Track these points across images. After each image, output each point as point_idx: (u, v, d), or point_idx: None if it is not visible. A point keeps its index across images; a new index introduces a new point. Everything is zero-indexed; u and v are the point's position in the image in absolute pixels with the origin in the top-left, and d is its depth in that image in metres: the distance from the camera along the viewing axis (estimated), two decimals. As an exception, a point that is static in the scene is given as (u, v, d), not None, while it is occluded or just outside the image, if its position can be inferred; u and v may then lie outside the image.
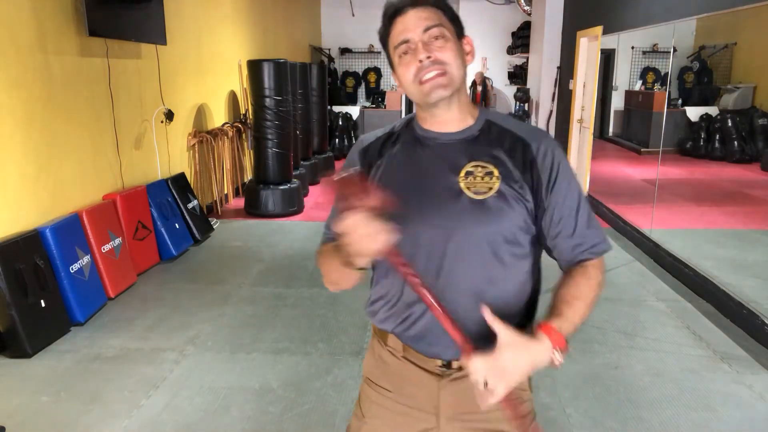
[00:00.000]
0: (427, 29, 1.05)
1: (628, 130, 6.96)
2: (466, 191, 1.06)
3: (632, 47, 6.46)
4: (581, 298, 1.05)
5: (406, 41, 1.06)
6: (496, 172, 1.07)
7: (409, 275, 1.01)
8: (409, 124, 1.18)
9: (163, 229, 4.53)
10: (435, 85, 1.05)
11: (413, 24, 1.06)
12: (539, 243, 1.13)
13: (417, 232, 1.07)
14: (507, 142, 1.10)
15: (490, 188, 1.05)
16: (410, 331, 1.12)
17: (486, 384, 0.92)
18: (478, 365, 0.93)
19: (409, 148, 1.14)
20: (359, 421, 1.22)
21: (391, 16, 1.09)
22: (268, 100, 5.91)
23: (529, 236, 1.10)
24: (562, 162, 1.09)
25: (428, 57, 1.04)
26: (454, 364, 1.11)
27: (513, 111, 9.26)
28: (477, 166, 1.07)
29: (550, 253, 1.14)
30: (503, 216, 1.06)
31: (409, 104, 12.10)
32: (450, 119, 1.11)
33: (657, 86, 6.27)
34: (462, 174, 1.07)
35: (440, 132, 1.12)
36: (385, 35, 1.12)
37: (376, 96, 11.35)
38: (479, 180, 1.06)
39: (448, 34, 1.06)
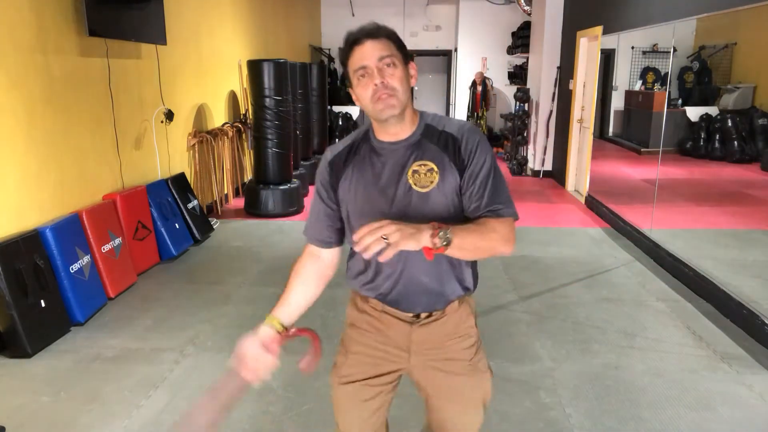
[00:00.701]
0: (381, 58, 1.30)
1: (628, 130, 6.96)
2: (414, 186, 1.34)
3: (632, 47, 6.46)
4: (480, 233, 1.28)
5: (363, 67, 1.31)
6: (435, 168, 1.34)
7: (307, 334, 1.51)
8: (366, 135, 1.44)
9: (163, 229, 4.53)
10: (386, 105, 1.31)
11: (370, 53, 1.30)
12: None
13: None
14: (442, 140, 1.37)
15: (432, 182, 1.34)
16: (387, 298, 1.43)
17: (385, 234, 1.14)
18: (380, 223, 1.16)
19: (367, 157, 1.40)
20: (344, 356, 1.53)
21: (351, 44, 1.33)
22: (268, 100, 5.90)
23: (459, 215, 1.36)
24: (479, 146, 1.35)
25: (382, 82, 1.29)
26: (422, 315, 1.43)
27: (513, 111, 9.26)
28: (421, 165, 1.35)
29: (465, 213, 1.38)
30: (443, 200, 1.34)
31: (409, 104, 12.08)
32: (398, 130, 1.37)
33: (657, 86, 6.27)
34: (409, 173, 1.35)
35: (390, 141, 1.38)
36: (345, 58, 1.36)
37: (376, 96, 11.35)
38: (423, 176, 1.34)
39: (398, 62, 1.32)
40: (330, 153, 1.48)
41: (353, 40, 1.33)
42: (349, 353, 1.52)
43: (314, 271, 1.55)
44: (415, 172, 1.35)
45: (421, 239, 1.18)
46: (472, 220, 1.34)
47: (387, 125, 1.36)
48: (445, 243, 1.19)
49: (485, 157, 1.35)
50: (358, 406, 1.50)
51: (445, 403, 1.50)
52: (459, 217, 1.36)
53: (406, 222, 1.20)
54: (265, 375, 1.40)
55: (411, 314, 1.43)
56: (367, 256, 1.15)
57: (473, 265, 1.46)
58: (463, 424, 1.52)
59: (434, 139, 1.37)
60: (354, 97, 1.39)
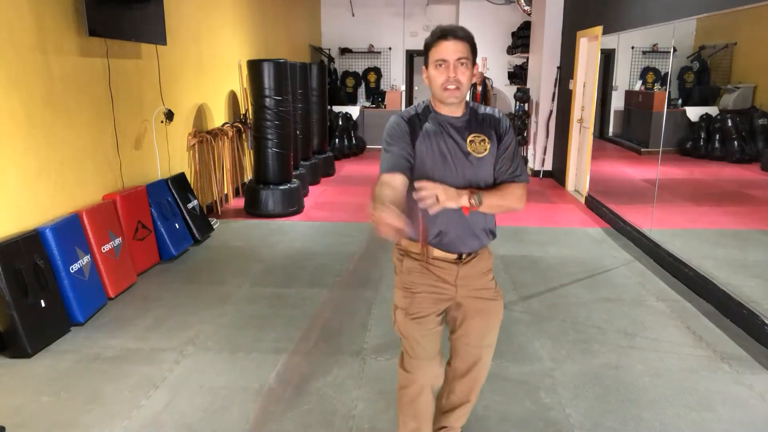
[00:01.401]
0: (459, 58, 1.69)
1: (628, 130, 6.95)
2: (472, 153, 1.79)
3: (632, 47, 6.45)
4: (503, 196, 1.79)
5: (444, 60, 1.69)
6: (487, 139, 1.81)
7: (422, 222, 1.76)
8: (427, 109, 1.82)
9: (163, 229, 4.53)
10: (452, 95, 1.73)
11: (452, 51, 1.69)
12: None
13: (445, 178, 1.74)
14: (486, 119, 1.84)
15: (485, 149, 1.80)
16: (441, 242, 1.83)
17: (438, 195, 1.58)
18: (435, 186, 1.60)
19: (435, 126, 1.79)
20: (410, 298, 1.88)
21: (439, 37, 1.70)
22: (268, 100, 5.90)
23: (492, 174, 1.84)
24: (510, 128, 1.86)
25: (454, 76, 1.70)
26: (464, 257, 1.86)
27: (513, 111, 9.25)
28: (475, 136, 1.80)
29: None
30: (491, 163, 1.82)
31: (409, 105, 12.08)
32: (454, 110, 1.81)
33: (657, 86, 6.26)
34: (468, 142, 1.79)
35: (450, 116, 1.80)
36: (430, 45, 1.73)
37: (376, 96, 11.35)
38: (478, 145, 1.80)
39: (469, 64, 1.72)
40: (404, 114, 1.82)
41: (443, 35, 1.69)
42: (415, 294, 1.87)
43: (398, 191, 1.66)
44: (471, 141, 1.79)
45: (460, 200, 1.66)
46: (497, 183, 1.82)
47: (447, 106, 1.78)
48: (477, 203, 1.69)
49: (512, 137, 1.85)
50: (426, 334, 1.88)
51: (479, 322, 1.93)
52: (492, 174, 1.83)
53: (466, 180, 1.75)
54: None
55: (455, 255, 1.84)
56: (422, 205, 1.55)
57: (494, 219, 1.93)
58: (486, 343, 1.97)
59: (479, 118, 1.83)
60: (425, 76, 1.77)
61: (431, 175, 1.75)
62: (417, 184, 1.56)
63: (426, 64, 1.76)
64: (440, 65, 1.70)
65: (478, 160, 1.78)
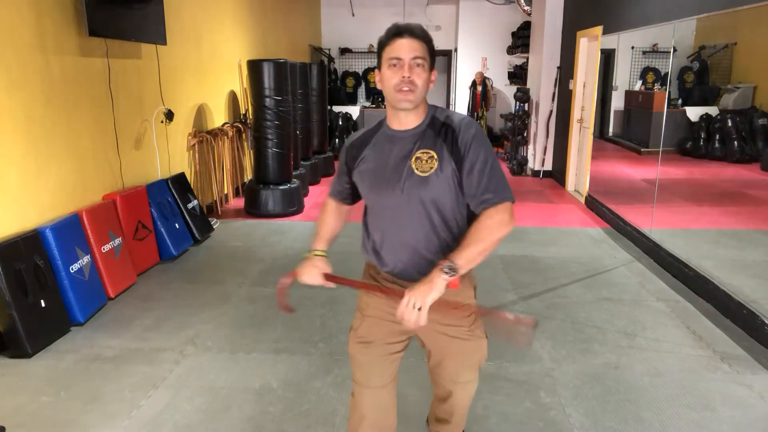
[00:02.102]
0: (414, 57, 1.52)
1: (628, 130, 6.95)
2: (416, 171, 1.56)
3: (632, 47, 6.45)
4: (477, 240, 1.50)
5: (398, 58, 1.52)
6: (435, 156, 1.56)
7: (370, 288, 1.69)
8: (380, 125, 1.68)
9: (163, 229, 4.53)
10: (405, 98, 1.53)
11: (407, 49, 1.52)
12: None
13: (386, 200, 1.61)
14: (442, 131, 1.58)
15: (432, 167, 1.56)
16: (395, 271, 1.66)
17: (414, 306, 1.43)
18: (405, 301, 1.44)
19: (380, 143, 1.65)
20: (360, 319, 1.76)
21: (394, 34, 1.54)
22: (268, 100, 5.90)
23: (454, 197, 1.59)
24: (474, 139, 1.55)
25: (408, 77, 1.51)
26: None
27: (513, 111, 9.26)
28: (423, 152, 1.57)
29: (468, 202, 1.61)
30: (440, 184, 1.56)
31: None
32: (408, 121, 1.60)
33: (657, 86, 6.26)
34: (413, 159, 1.57)
35: (400, 129, 1.61)
36: (384, 44, 1.56)
37: (376, 96, 11.34)
38: (424, 162, 1.56)
39: (426, 66, 1.54)
40: (349, 140, 1.74)
41: (397, 32, 1.53)
42: (365, 317, 1.74)
43: (339, 212, 1.84)
44: (417, 158, 1.57)
45: (436, 286, 1.43)
46: (474, 214, 1.58)
47: (399, 114, 1.59)
48: (454, 272, 1.45)
49: (480, 149, 1.55)
50: (373, 361, 1.73)
51: (446, 361, 1.75)
52: (458, 197, 1.59)
53: (417, 201, 1.56)
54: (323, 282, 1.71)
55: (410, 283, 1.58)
56: (413, 326, 1.45)
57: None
58: (461, 381, 1.79)
59: (436, 129, 1.59)
60: (377, 78, 1.60)
61: (370, 194, 1.66)
62: (397, 315, 1.45)
63: (379, 64, 1.58)
64: (394, 65, 1.52)
65: (422, 180, 1.55)
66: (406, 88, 1.52)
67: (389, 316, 1.65)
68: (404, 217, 1.60)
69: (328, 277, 1.69)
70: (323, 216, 1.85)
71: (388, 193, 1.59)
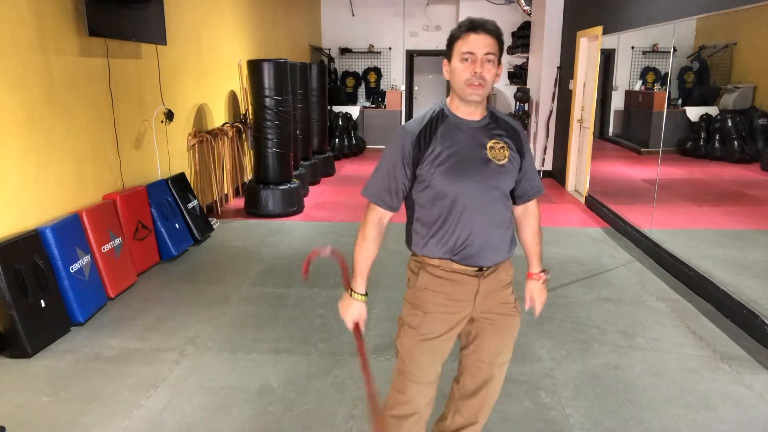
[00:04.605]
0: (487, 53, 1.58)
1: (628, 130, 6.95)
2: (493, 159, 1.67)
3: (632, 47, 6.45)
4: (537, 240, 1.92)
5: (472, 53, 1.58)
6: (506, 147, 1.70)
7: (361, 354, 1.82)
8: (442, 113, 1.70)
9: (163, 229, 4.53)
10: (475, 92, 1.61)
11: (481, 45, 1.58)
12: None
13: (466, 186, 1.65)
14: (508, 127, 1.75)
15: (505, 156, 1.69)
16: (459, 256, 1.70)
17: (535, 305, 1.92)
18: (540, 300, 1.94)
19: (449, 131, 1.67)
20: (421, 317, 1.74)
21: (468, 29, 1.59)
22: (268, 100, 5.90)
23: (512, 185, 1.78)
24: (527, 143, 1.79)
25: (480, 73, 1.58)
26: (485, 269, 1.73)
27: (513, 111, 9.25)
28: (495, 142, 1.69)
29: (513, 194, 1.81)
30: (512, 173, 1.73)
31: (409, 105, 12.09)
32: (474, 112, 1.69)
33: (657, 86, 6.26)
34: (488, 148, 1.68)
35: (469, 119, 1.69)
36: (456, 37, 1.62)
37: (376, 96, 11.34)
38: (498, 151, 1.68)
39: (496, 62, 1.61)
40: (411, 129, 1.68)
41: (472, 27, 1.59)
42: (426, 314, 1.74)
43: (380, 233, 1.77)
44: (491, 147, 1.67)
45: (545, 290, 1.95)
46: (516, 196, 1.82)
47: (468, 105, 1.66)
48: (548, 275, 1.94)
49: (530, 150, 1.81)
50: (433, 357, 1.77)
51: (494, 339, 1.81)
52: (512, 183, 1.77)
53: (490, 188, 1.67)
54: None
55: (475, 268, 1.71)
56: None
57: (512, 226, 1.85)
58: (500, 362, 1.84)
59: (501, 124, 1.73)
60: (446, 69, 1.66)
61: (450, 182, 1.64)
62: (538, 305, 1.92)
63: (449, 56, 1.63)
64: (466, 59, 1.57)
65: (498, 168, 1.67)
66: (477, 83, 1.58)
67: (450, 310, 1.73)
68: (481, 204, 1.67)
69: (357, 327, 1.80)
70: (366, 244, 1.74)
71: (468, 180, 1.64)
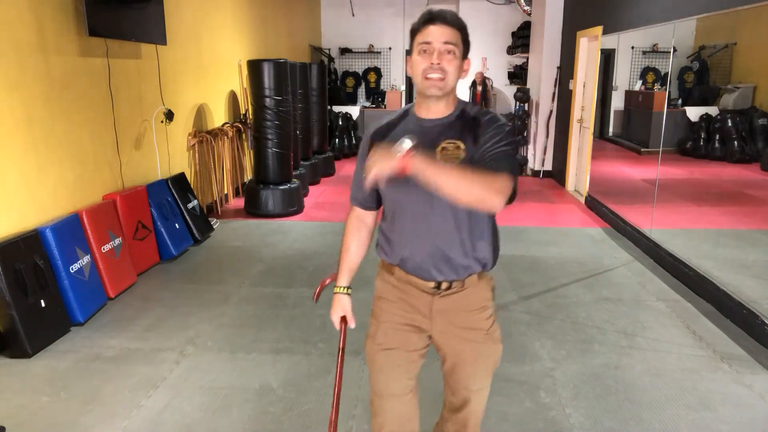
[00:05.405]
0: (446, 42, 1.45)
1: (628, 130, 6.95)
2: (441, 161, 1.45)
3: (632, 47, 6.46)
4: (462, 169, 1.37)
5: (428, 43, 1.46)
6: (462, 146, 1.48)
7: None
8: (406, 113, 1.60)
9: (163, 229, 4.53)
10: (434, 85, 1.47)
11: (439, 35, 1.46)
12: None
13: (408, 191, 1.49)
14: (471, 124, 1.51)
15: (458, 157, 1.47)
16: (408, 265, 1.59)
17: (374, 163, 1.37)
18: (373, 153, 1.38)
19: (403, 131, 1.52)
20: (376, 326, 1.69)
21: (427, 20, 1.48)
22: (268, 100, 5.90)
23: None
24: (498, 127, 1.48)
25: (438, 63, 1.45)
26: (443, 286, 1.58)
27: (513, 111, 9.25)
28: (449, 142, 1.49)
29: None
30: None
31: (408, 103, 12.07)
32: (437, 110, 1.54)
33: (657, 86, 6.26)
34: (438, 149, 1.49)
35: (428, 119, 1.54)
36: (416, 30, 1.50)
37: (376, 96, 11.34)
38: (450, 152, 1.48)
39: (458, 53, 1.48)
40: (372, 129, 1.64)
41: (430, 18, 1.48)
42: (380, 323, 1.68)
43: (361, 229, 1.74)
44: (444, 148, 1.49)
45: (391, 159, 1.33)
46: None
47: (428, 102, 1.53)
48: (408, 150, 1.34)
49: (501, 134, 1.47)
50: (393, 369, 1.66)
51: (461, 366, 1.66)
52: None
53: (431, 196, 1.42)
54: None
55: (432, 284, 1.58)
56: (370, 180, 1.36)
57: (493, 239, 1.62)
58: (474, 388, 1.69)
59: (466, 121, 1.53)
60: (408, 65, 1.54)
61: (391, 186, 1.51)
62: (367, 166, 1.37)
63: (410, 50, 1.53)
64: (424, 50, 1.46)
65: None
66: (435, 75, 1.45)
67: (406, 321, 1.64)
68: (426, 211, 1.51)
69: (343, 320, 1.79)
70: (345, 239, 1.75)
71: (410, 185, 1.43)
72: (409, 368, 1.67)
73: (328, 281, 1.93)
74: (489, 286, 1.67)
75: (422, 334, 1.65)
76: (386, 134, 1.58)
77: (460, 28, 1.48)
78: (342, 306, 1.77)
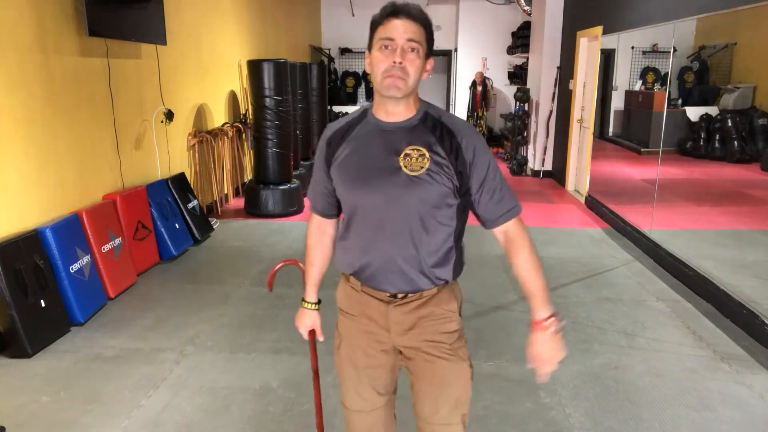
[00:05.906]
0: (409, 40, 1.34)
1: (628, 130, 6.95)
2: (404, 169, 1.38)
3: (632, 47, 6.45)
4: (535, 274, 1.48)
5: (391, 39, 1.34)
6: (427, 154, 1.38)
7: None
8: (365, 114, 1.48)
9: (163, 229, 4.53)
10: (393, 85, 1.35)
11: (402, 30, 1.34)
12: (470, 210, 1.49)
13: (365, 199, 1.42)
14: (438, 130, 1.41)
15: (422, 167, 1.37)
16: (362, 275, 1.49)
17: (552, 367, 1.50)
18: (544, 369, 1.53)
19: (364, 134, 1.45)
20: (339, 338, 1.62)
21: (389, 13, 1.35)
22: (268, 100, 5.90)
23: (452, 206, 1.43)
24: (481, 150, 1.41)
25: (400, 63, 1.34)
26: (398, 296, 1.47)
27: (513, 111, 9.26)
28: (413, 149, 1.39)
29: (479, 218, 1.48)
30: (430, 188, 1.38)
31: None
32: (397, 112, 1.42)
33: (657, 86, 6.26)
34: (401, 156, 1.39)
35: (387, 121, 1.43)
36: (377, 23, 1.38)
37: (376, 96, 11.34)
38: (414, 160, 1.38)
39: (421, 52, 1.37)
40: (329, 130, 1.53)
41: (394, 11, 1.36)
42: (343, 337, 1.60)
43: (323, 238, 1.65)
44: (407, 155, 1.39)
45: (557, 340, 1.56)
46: (484, 221, 1.48)
47: (387, 103, 1.41)
48: (559, 320, 1.54)
49: (488, 160, 1.42)
50: (358, 383, 1.57)
51: (427, 387, 1.50)
52: (448, 203, 1.42)
53: (395, 206, 1.39)
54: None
55: (387, 294, 1.47)
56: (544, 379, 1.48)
57: (457, 256, 1.50)
58: (441, 415, 1.50)
59: (430, 126, 1.42)
60: (367, 62, 1.43)
61: (348, 190, 1.44)
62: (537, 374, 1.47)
63: (370, 45, 1.40)
64: (386, 46, 1.34)
65: (410, 179, 1.37)
66: (396, 75, 1.34)
67: (367, 332, 1.53)
68: (383, 219, 1.41)
69: (311, 333, 1.77)
70: (307, 252, 1.66)
71: (369, 191, 1.40)
72: (376, 383, 1.56)
73: (279, 266, 1.92)
74: (454, 297, 1.51)
75: (385, 346, 1.53)
76: (345, 137, 1.47)
77: (425, 24, 1.37)
78: (312, 320, 1.73)
